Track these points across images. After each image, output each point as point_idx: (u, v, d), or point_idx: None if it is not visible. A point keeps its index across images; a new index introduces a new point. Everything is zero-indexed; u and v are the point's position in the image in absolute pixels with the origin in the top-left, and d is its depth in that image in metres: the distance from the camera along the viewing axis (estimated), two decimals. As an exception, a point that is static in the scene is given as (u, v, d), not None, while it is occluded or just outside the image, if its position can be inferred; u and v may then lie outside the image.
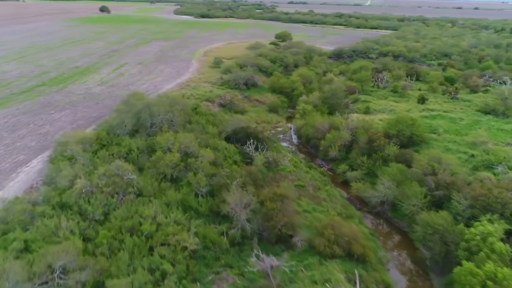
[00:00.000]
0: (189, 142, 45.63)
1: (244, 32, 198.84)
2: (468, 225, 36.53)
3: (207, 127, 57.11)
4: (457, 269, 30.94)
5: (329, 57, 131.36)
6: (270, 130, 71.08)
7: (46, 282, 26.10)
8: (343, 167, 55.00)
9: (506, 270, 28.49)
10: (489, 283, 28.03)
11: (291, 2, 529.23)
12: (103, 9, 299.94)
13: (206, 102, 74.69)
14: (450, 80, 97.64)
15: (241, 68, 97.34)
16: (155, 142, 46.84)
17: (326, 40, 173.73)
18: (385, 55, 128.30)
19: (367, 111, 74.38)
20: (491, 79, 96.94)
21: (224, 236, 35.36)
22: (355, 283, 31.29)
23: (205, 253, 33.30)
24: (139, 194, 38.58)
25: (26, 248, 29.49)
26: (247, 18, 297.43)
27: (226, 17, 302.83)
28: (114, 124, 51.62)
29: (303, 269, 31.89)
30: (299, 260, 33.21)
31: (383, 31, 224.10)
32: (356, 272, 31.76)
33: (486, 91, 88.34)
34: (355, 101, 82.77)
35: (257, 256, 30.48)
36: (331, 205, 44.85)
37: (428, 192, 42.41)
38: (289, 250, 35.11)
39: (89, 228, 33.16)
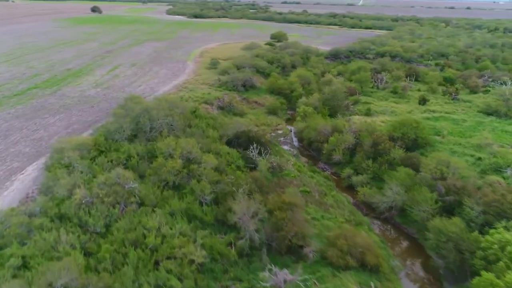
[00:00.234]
0: (191, 148, 44.10)
1: (238, 32, 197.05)
2: (482, 232, 35.53)
3: (207, 131, 55.41)
4: (476, 280, 29.81)
5: (326, 58, 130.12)
6: (271, 133, 69.46)
7: (47, 303, 24.46)
8: (347, 171, 53.68)
9: (528, 281, 27.40)
10: (511, 294, 26.96)
11: (285, 2, 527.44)
12: (94, 9, 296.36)
13: (205, 104, 73.12)
14: (449, 81, 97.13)
15: (238, 69, 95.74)
16: (156, 148, 45.12)
17: (321, 41, 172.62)
18: (382, 55, 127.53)
19: (368, 113, 73.26)
20: (490, 80, 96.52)
21: (231, 247, 33.87)
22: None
23: (212, 266, 31.81)
24: (141, 204, 36.83)
25: (24, 265, 27.82)
26: (241, 18, 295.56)
27: (219, 17, 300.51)
28: (112, 128, 49.58)
29: (316, 282, 30.50)
30: (311, 272, 31.79)
31: (378, 31, 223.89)
32: (372, 285, 30.44)
33: (486, 92, 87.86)
34: (356, 102, 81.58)
35: (270, 270, 28.96)
36: (339, 211, 43.50)
37: (438, 197, 41.27)
38: (300, 261, 33.67)
39: (90, 241, 31.46)
